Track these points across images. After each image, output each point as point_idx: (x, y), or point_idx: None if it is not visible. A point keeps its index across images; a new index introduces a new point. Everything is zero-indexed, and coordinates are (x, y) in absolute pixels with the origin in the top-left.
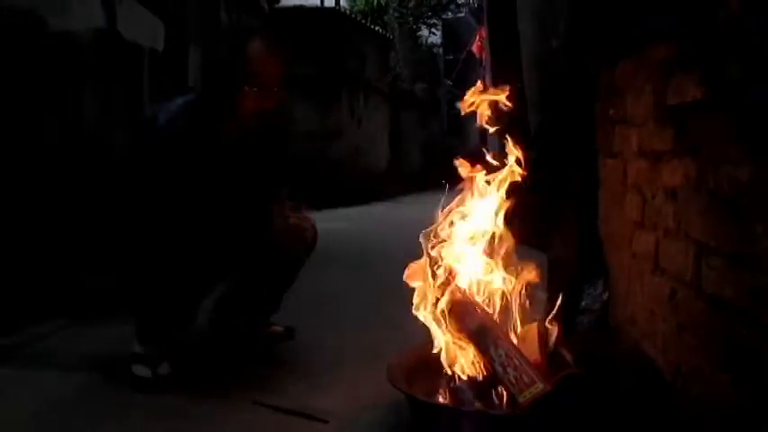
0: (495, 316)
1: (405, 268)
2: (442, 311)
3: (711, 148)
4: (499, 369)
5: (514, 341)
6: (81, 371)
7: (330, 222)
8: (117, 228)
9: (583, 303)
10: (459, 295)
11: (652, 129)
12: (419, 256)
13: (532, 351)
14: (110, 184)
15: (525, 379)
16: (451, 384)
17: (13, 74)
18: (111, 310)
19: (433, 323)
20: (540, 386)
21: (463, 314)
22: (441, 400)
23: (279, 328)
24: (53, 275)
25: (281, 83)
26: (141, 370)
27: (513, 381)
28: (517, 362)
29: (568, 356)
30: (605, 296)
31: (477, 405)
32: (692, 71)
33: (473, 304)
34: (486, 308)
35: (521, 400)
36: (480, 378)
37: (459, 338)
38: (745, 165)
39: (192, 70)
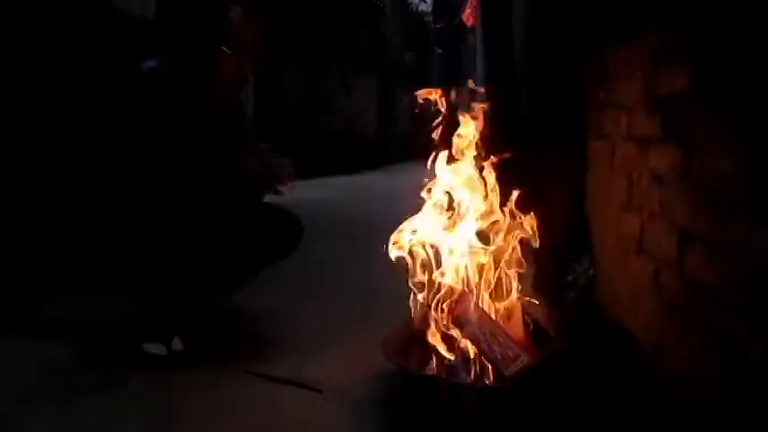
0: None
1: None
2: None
3: (696, 137)
4: (485, 347)
5: (499, 320)
6: (78, 339)
7: (319, 191)
8: (109, 196)
9: (569, 279)
10: (451, 289)
11: (641, 114)
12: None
13: (517, 328)
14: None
15: (510, 354)
16: (444, 362)
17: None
18: (105, 279)
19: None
20: (524, 359)
21: (454, 304)
22: (433, 373)
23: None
24: (47, 243)
25: (259, 50)
26: (154, 347)
27: (499, 357)
28: (501, 339)
29: (552, 333)
30: (591, 273)
31: (469, 379)
32: (680, 62)
33: (461, 292)
34: (470, 292)
35: (507, 373)
36: (470, 356)
37: (447, 326)
38: (727, 157)
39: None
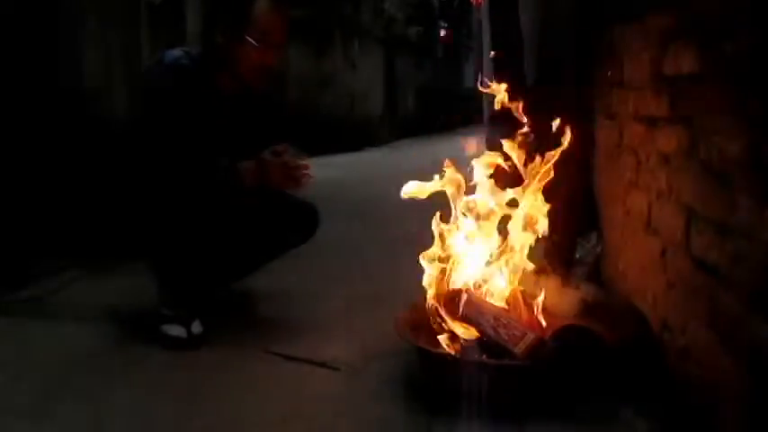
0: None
1: (401, 218)
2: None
3: (704, 119)
4: (491, 332)
5: (503, 304)
6: (97, 322)
7: (326, 169)
8: (129, 183)
9: (576, 255)
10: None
11: (648, 94)
12: (416, 207)
13: (522, 309)
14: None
15: (517, 333)
16: (462, 342)
17: (12, 32)
18: (123, 262)
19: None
20: (531, 335)
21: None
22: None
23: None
24: (64, 228)
25: (284, 41)
26: (175, 329)
27: (506, 338)
28: (505, 321)
29: (561, 309)
30: (599, 249)
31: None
32: (688, 44)
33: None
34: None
35: (517, 351)
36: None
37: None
38: (734, 139)
39: (189, 19)
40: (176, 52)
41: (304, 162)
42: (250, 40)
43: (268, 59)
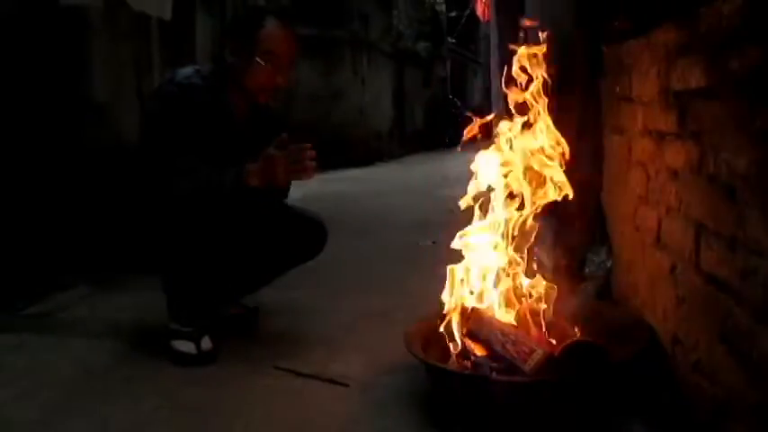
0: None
1: (410, 233)
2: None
3: (712, 134)
4: (499, 349)
5: (512, 320)
6: (108, 338)
7: (335, 184)
8: (139, 199)
9: (586, 270)
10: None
11: (656, 110)
12: (424, 222)
13: (531, 326)
14: (126, 152)
15: (525, 349)
16: (472, 358)
17: (26, 50)
18: (131, 278)
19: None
20: (540, 352)
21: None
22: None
23: (240, 310)
24: (74, 244)
25: (292, 62)
26: (184, 345)
27: (516, 354)
28: (514, 337)
29: (569, 325)
30: (609, 264)
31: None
32: (696, 59)
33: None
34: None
35: (527, 368)
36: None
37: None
38: (742, 154)
39: (199, 39)
40: (187, 70)
41: (308, 150)
42: (259, 61)
43: (277, 80)
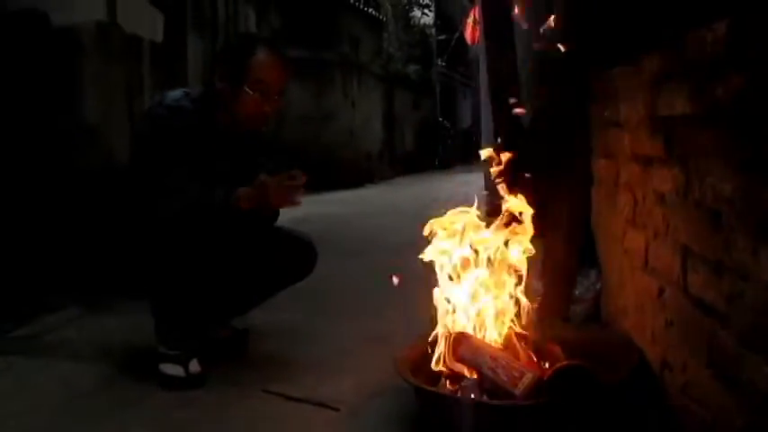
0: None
1: (400, 255)
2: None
3: (698, 160)
4: (489, 373)
5: (500, 344)
6: (96, 361)
7: (325, 206)
8: (125, 223)
9: (576, 293)
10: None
11: (643, 135)
12: (414, 244)
13: (520, 350)
14: (115, 174)
15: (515, 373)
16: (462, 382)
17: (18, 72)
18: (120, 300)
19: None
20: (530, 375)
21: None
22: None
23: (229, 332)
24: (63, 266)
25: (282, 91)
26: (172, 369)
27: (506, 378)
28: (504, 362)
29: (557, 349)
30: (598, 286)
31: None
32: (681, 86)
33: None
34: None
35: (517, 392)
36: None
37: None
38: (727, 179)
39: (191, 61)
40: (177, 93)
41: (298, 180)
42: (247, 90)
43: (265, 107)
